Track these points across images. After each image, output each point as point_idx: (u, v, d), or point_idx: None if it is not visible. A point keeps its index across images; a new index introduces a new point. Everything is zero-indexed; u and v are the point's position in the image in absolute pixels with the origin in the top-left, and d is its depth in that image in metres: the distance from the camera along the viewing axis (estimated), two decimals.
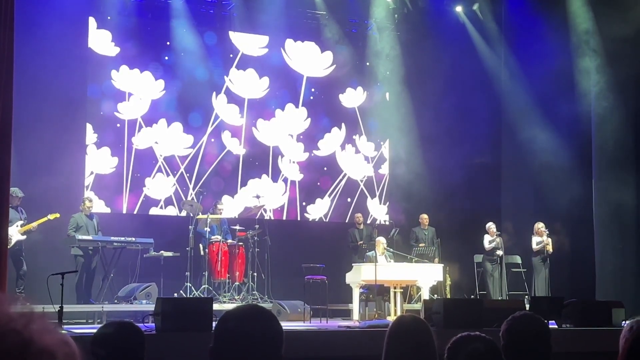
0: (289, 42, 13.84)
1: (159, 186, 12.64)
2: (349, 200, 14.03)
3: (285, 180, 13.59)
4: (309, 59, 13.98)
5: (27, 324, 0.86)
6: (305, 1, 13.67)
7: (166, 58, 12.79)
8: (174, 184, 12.71)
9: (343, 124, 14.15)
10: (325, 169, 13.94)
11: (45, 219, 10.18)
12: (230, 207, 12.91)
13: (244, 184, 13.25)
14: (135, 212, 12.41)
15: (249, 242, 11.43)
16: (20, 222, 10.05)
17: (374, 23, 14.19)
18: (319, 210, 13.81)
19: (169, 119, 12.78)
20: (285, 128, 13.67)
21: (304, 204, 13.69)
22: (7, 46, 7.07)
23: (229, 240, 11.42)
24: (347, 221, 13.70)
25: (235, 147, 13.24)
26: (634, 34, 12.08)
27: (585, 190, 12.68)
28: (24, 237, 10.10)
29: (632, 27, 12.04)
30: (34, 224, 10.11)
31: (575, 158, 13.01)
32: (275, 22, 13.32)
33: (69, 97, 11.63)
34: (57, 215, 10.32)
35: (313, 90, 13.97)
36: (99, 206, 12.06)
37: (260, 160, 13.45)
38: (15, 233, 9.94)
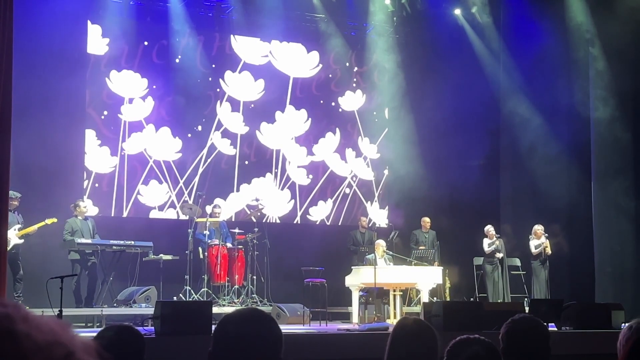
0: (286, 45, 13.85)
1: (156, 190, 12.64)
2: (349, 203, 14.03)
3: (290, 186, 13.59)
4: (303, 61, 13.99)
5: (71, 339, 0.93)
6: (305, 5, 13.69)
7: (165, 61, 12.78)
8: (168, 190, 12.69)
9: (343, 127, 14.15)
10: (326, 172, 13.94)
11: (42, 223, 10.16)
12: (230, 209, 12.92)
13: (246, 187, 13.24)
14: (135, 216, 12.39)
15: (249, 245, 11.42)
16: (17, 226, 10.02)
17: (373, 26, 14.22)
18: (321, 212, 13.82)
19: (167, 124, 12.76)
20: (286, 131, 13.67)
21: (301, 209, 13.69)
22: (7, 48, 7.08)
23: (228, 244, 11.41)
24: (340, 224, 13.73)
25: (235, 150, 13.23)
26: (631, 30, 12.10)
27: (584, 192, 12.69)
28: (22, 241, 10.08)
29: (630, 24, 12.07)
30: (34, 228, 10.09)
31: (574, 160, 13.03)
32: (274, 25, 13.34)
33: (68, 100, 11.63)
34: (55, 220, 10.30)
35: (312, 92, 13.97)
36: (97, 210, 12.06)
37: (263, 165, 13.45)
38: (12, 237, 9.91)
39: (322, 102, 14.06)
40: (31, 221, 10.19)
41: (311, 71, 14.01)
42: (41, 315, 0.95)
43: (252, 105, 13.42)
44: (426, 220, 13.09)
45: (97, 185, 12.21)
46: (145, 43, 12.74)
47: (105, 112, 12.40)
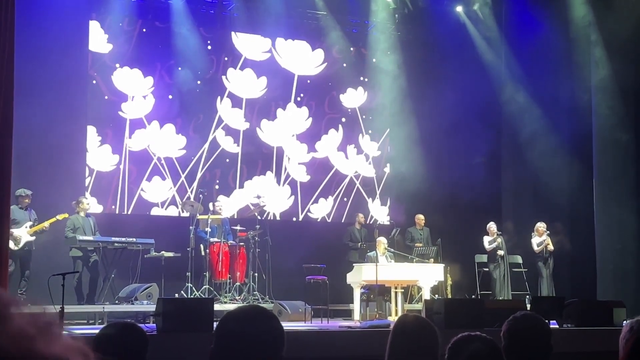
0: (289, 42, 13.84)
1: (159, 187, 12.65)
2: (351, 200, 14.03)
3: (291, 183, 13.59)
4: (306, 59, 13.99)
5: (86, 354, 0.94)
6: (306, 2, 13.68)
7: (167, 59, 12.78)
8: (171, 186, 12.71)
9: (345, 125, 14.16)
10: (328, 169, 13.94)
11: (54, 219, 10.17)
12: (233, 207, 12.93)
13: (247, 184, 13.25)
14: (136, 213, 12.40)
15: (250, 242, 11.42)
16: (29, 223, 10.04)
17: (375, 23, 14.21)
18: (322, 210, 13.82)
19: (170, 121, 12.78)
20: (287, 129, 13.67)
21: (302, 206, 13.69)
22: (8, 46, 7.08)
23: (230, 242, 11.41)
24: (342, 221, 13.72)
25: (237, 148, 13.24)
26: (632, 28, 12.08)
27: (586, 189, 12.67)
28: (33, 237, 10.08)
29: (631, 18, 12.05)
30: (46, 224, 10.08)
31: (576, 158, 13.01)
32: (276, 22, 13.33)
33: (69, 98, 11.63)
34: (66, 215, 10.32)
35: (313, 90, 13.97)
36: (99, 207, 12.07)
37: (264, 162, 13.45)
38: (24, 234, 9.92)
39: (323, 99, 14.06)
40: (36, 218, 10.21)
41: (316, 69, 14.01)
42: (57, 328, 0.94)
43: (258, 104, 13.43)
44: (420, 218, 13.09)
45: (99, 182, 12.22)
46: (148, 40, 12.73)
47: (108, 110, 12.40)
